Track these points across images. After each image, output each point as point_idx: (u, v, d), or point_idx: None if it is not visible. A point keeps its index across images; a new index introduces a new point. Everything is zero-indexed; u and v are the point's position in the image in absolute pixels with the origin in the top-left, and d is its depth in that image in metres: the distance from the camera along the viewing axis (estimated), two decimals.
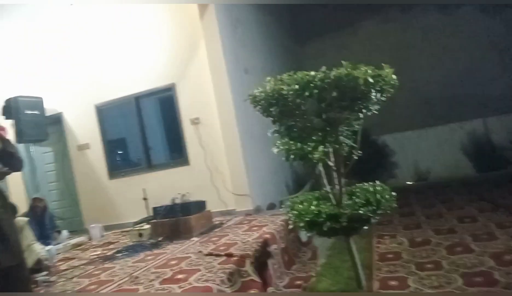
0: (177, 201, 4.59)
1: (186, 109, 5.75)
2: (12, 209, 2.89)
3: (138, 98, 6.08)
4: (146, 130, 6.18)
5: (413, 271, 2.99)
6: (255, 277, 2.85)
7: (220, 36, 5.37)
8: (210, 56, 5.42)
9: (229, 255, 3.10)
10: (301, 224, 2.70)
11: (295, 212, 2.74)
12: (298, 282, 3.22)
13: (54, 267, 3.79)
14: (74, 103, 6.48)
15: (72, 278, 3.45)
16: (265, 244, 3.41)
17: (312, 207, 2.66)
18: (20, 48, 6.54)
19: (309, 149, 2.59)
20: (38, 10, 6.28)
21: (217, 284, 2.50)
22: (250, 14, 6.61)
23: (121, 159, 6.62)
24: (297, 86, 2.51)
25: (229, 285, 2.59)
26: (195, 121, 5.67)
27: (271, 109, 2.71)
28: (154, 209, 4.74)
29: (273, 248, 3.45)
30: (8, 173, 2.78)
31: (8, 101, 5.63)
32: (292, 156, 2.70)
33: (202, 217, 4.60)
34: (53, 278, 3.53)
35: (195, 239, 4.16)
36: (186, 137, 5.78)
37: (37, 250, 3.79)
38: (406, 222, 4.60)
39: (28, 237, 3.70)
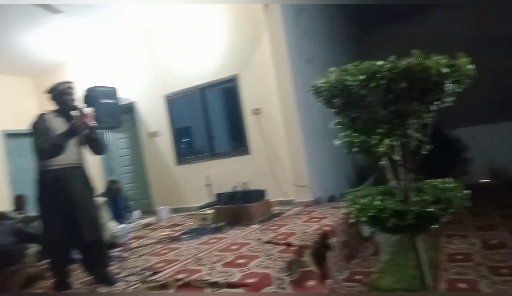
0: (238, 189, 4.72)
1: (248, 100, 5.85)
2: (94, 191, 3.20)
3: (203, 89, 6.32)
4: (210, 119, 6.41)
5: (485, 275, 2.79)
6: (314, 268, 2.85)
7: (283, 26, 5.36)
8: (273, 47, 5.44)
9: (288, 245, 3.13)
10: (363, 219, 2.64)
11: (357, 206, 2.68)
12: (358, 277, 3.17)
13: (127, 244, 4.12)
14: (146, 93, 6.92)
15: (142, 255, 3.74)
16: (324, 236, 3.39)
17: (376, 202, 2.58)
18: (100, 44, 7.10)
19: (374, 142, 2.51)
20: (116, 10, 6.75)
21: (276, 272, 2.55)
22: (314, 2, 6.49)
23: (187, 146, 6.94)
24: (363, 77, 2.43)
25: (288, 273, 2.62)
26: (256, 112, 5.75)
27: (334, 100, 2.66)
28: (217, 195, 4.93)
29: (332, 240, 3.42)
30: None
31: (88, 90, 6.16)
32: (355, 149, 2.64)
33: (262, 205, 4.69)
34: (125, 254, 3.85)
35: (255, 226, 4.26)
36: (248, 128, 5.90)
37: (111, 227, 4.16)
38: (479, 222, 4.28)
39: (104, 215, 4.07)
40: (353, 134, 2.65)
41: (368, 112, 2.63)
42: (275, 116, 5.57)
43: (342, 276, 3.21)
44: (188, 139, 6.99)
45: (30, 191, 6.85)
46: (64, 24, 5.96)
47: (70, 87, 3.04)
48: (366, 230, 4.08)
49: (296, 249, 3.00)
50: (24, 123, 8.69)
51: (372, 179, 6.07)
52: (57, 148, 2.79)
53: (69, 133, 2.86)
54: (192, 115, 6.65)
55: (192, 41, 6.30)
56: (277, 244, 3.23)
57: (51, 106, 3.08)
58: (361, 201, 2.68)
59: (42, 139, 2.75)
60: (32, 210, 5.57)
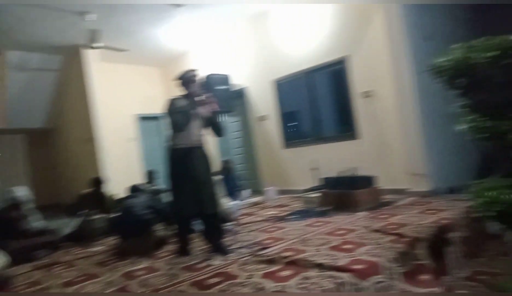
0: (345, 174, 4.63)
1: (358, 82, 5.63)
2: (212, 168, 3.54)
3: (311, 72, 6.29)
4: (318, 103, 6.37)
5: None
6: (428, 262, 2.67)
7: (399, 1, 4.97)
8: (387, 24, 5.09)
9: (400, 235, 2.98)
10: (490, 214, 2.35)
11: (483, 199, 2.39)
12: (482, 277, 2.86)
13: (238, 220, 4.42)
14: (256, 78, 7.19)
15: (252, 231, 3.98)
16: (442, 230, 3.13)
17: (505, 196, 2.27)
18: (217, 33, 7.60)
19: (506, 127, 2.20)
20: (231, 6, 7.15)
21: (386, 261, 2.46)
22: None
23: (294, 130, 7.04)
24: (493, 53, 2.13)
25: (398, 265, 2.51)
26: (367, 94, 5.50)
27: (457, 81, 2.40)
28: (324, 179, 4.92)
29: (451, 235, 3.14)
30: None
31: (203, 78, 6.68)
32: (482, 135, 2.35)
33: (370, 192, 4.53)
34: (237, 229, 4.15)
35: (363, 213, 4.15)
36: (357, 111, 5.69)
37: (225, 203, 4.50)
38: None
39: (220, 191, 4.42)
40: (479, 119, 2.36)
41: (498, 94, 2.31)
42: (388, 99, 5.25)
43: (461, 274, 2.93)
44: (295, 123, 7.08)
45: (158, 167, 7.83)
46: (187, 17, 6.55)
47: (195, 75, 3.40)
48: (493, 227, 3.63)
49: (409, 240, 2.84)
50: (152, 108, 9.93)
51: (501, 170, 5.31)
52: (186, 119, 3.16)
53: (194, 108, 3.23)
54: (300, 99, 6.69)
55: (301, 24, 6.29)
56: (387, 233, 3.10)
57: (179, 92, 3.46)
58: (487, 194, 2.39)
59: (174, 115, 3.15)
60: (160, 183, 6.38)
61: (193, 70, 3.42)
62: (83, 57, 7.31)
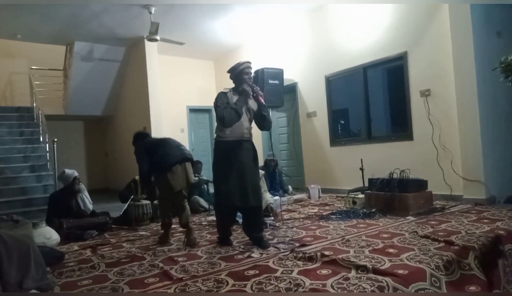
0: (395, 176, 4.43)
1: (416, 80, 5.35)
2: (257, 161, 3.55)
3: (365, 69, 6.09)
4: (370, 101, 6.15)
5: None
6: (478, 273, 2.48)
7: None
8: (453, 18, 4.76)
9: (449, 243, 2.80)
10: None
11: None
12: None
13: (279, 215, 4.41)
14: (308, 74, 7.10)
15: (293, 227, 3.94)
16: (497, 240, 2.88)
17: None
18: (272, 27, 7.60)
19: None
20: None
21: (432, 269, 2.32)
22: None
23: (343, 128, 6.88)
24: None
25: (445, 273, 2.35)
26: (425, 93, 5.21)
27: None
28: (370, 180, 4.75)
29: (507, 247, 2.89)
30: None
31: (256, 72, 6.72)
32: None
33: (421, 196, 4.30)
34: (277, 224, 4.14)
35: (411, 218, 3.95)
36: (413, 111, 5.41)
37: (267, 198, 4.51)
38: None
39: (263, 186, 4.43)
40: None
41: None
42: (447, 99, 4.93)
43: None
44: (344, 122, 6.91)
45: (204, 159, 8.00)
46: (243, 11, 6.62)
47: (248, 67, 3.39)
48: None
49: (459, 249, 2.65)
50: (203, 101, 10.19)
51: None
52: (234, 115, 3.18)
53: (242, 101, 3.25)
54: (351, 97, 6.51)
55: (359, 18, 6.09)
56: (435, 239, 2.92)
57: (230, 85, 3.49)
58: None
59: (223, 110, 3.17)
60: (205, 175, 6.53)
61: (245, 63, 3.39)
62: (143, 49, 7.66)
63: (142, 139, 3.97)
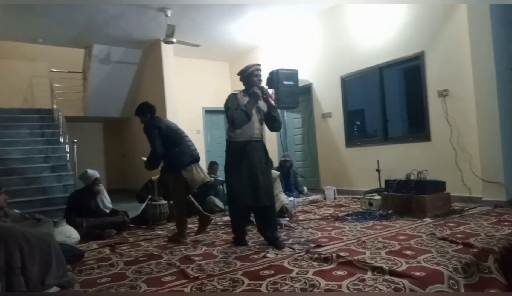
0: (412, 177, 4.37)
1: (433, 80, 5.27)
2: (270, 163, 3.56)
3: (381, 69, 6.03)
4: (386, 101, 6.09)
5: None
6: (498, 276, 2.43)
7: None
8: (471, 17, 4.67)
9: (468, 245, 2.75)
10: None
11: None
12: None
13: (294, 216, 4.40)
14: (323, 74, 7.07)
15: (308, 228, 3.93)
16: None
17: None
18: (287, 28, 7.61)
19: None
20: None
21: (450, 271, 2.29)
22: None
23: (358, 129, 6.82)
24: None
25: (464, 275, 2.31)
26: (443, 94, 5.13)
27: None
28: (387, 181, 4.70)
29: None
30: None
31: (271, 73, 6.72)
32: None
33: (439, 198, 4.23)
34: (293, 224, 4.14)
35: (428, 220, 3.89)
36: (430, 111, 5.33)
37: (282, 198, 4.50)
38: None
39: (277, 187, 4.44)
40: None
41: None
42: (466, 99, 4.85)
43: None
44: (360, 122, 6.85)
45: (220, 160, 8.05)
46: (258, 12, 6.65)
47: (258, 69, 3.41)
48: None
49: (477, 251, 2.60)
50: (218, 102, 10.26)
51: None
52: (244, 117, 3.20)
53: (252, 103, 3.27)
54: (367, 97, 6.46)
55: (374, 18, 6.04)
56: (453, 242, 2.88)
57: (242, 86, 3.51)
58: None
59: (233, 112, 3.20)
60: (221, 175, 6.56)
61: (255, 65, 3.43)
62: (159, 51, 7.77)
63: (152, 114, 3.98)
